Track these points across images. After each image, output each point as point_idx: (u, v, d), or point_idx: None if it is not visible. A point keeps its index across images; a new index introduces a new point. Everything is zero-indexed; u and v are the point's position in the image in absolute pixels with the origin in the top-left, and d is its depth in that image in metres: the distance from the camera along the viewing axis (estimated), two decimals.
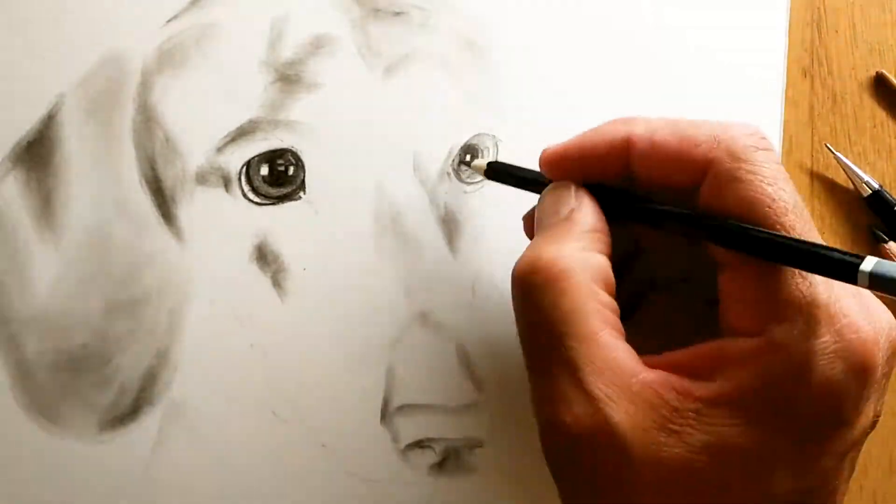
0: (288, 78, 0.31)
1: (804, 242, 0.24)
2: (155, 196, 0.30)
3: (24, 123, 0.29)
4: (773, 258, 0.25)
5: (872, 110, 0.42)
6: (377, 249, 0.32)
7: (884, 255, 0.41)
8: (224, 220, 0.31)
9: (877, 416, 0.26)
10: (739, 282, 0.26)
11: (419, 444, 0.33)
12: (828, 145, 0.42)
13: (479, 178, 0.34)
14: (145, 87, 0.30)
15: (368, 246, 0.32)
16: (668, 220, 0.28)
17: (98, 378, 0.30)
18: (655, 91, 0.36)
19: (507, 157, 0.34)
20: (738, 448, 0.24)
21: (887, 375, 0.26)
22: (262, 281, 0.31)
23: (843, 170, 0.42)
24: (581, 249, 0.27)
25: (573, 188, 0.29)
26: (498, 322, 0.34)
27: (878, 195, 0.41)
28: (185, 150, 0.30)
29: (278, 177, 0.31)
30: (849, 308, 0.25)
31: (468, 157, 0.34)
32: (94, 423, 0.30)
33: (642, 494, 0.24)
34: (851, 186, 0.42)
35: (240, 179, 0.31)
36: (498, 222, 0.34)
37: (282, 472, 0.32)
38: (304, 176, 0.31)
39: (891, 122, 0.43)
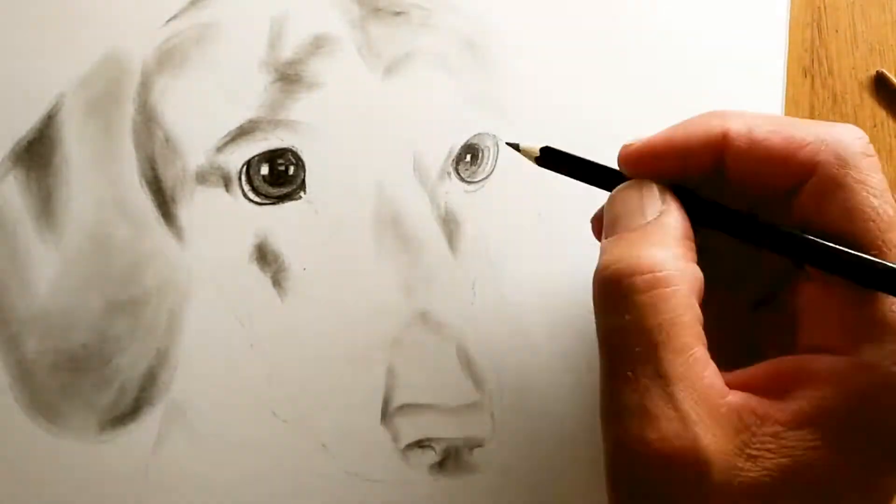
0: (288, 78, 0.31)
1: None
2: (155, 196, 0.30)
3: (24, 123, 0.29)
4: (875, 286, 0.24)
5: (873, 110, 0.42)
6: (377, 249, 0.32)
7: None
8: (224, 219, 0.31)
9: None
10: (828, 298, 0.25)
11: (419, 444, 0.33)
12: None
13: (480, 177, 0.34)
14: (145, 87, 0.30)
15: (368, 246, 0.32)
16: (764, 236, 0.26)
17: (98, 378, 0.30)
18: (655, 91, 0.36)
19: (507, 157, 0.34)
20: (813, 470, 0.23)
21: None
22: (262, 281, 0.31)
23: None
24: (679, 258, 0.25)
25: (657, 188, 0.27)
26: (498, 322, 0.34)
27: None
28: (185, 150, 0.30)
29: (278, 176, 0.31)
30: None
31: (468, 157, 0.34)
32: (94, 423, 0.30)
33: None
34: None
35: (240, 179, 0.31)
36: (498, 222, 0.34)
37: (282, 473, 0.32)
38: (304, 176, 0.31)
39: (891, 122, 0.43)
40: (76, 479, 0.30)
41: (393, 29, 0.32)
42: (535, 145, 0.31)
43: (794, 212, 0.26)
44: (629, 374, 0.24)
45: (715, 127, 0.26)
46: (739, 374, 0.25)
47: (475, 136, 0.34)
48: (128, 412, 0.30)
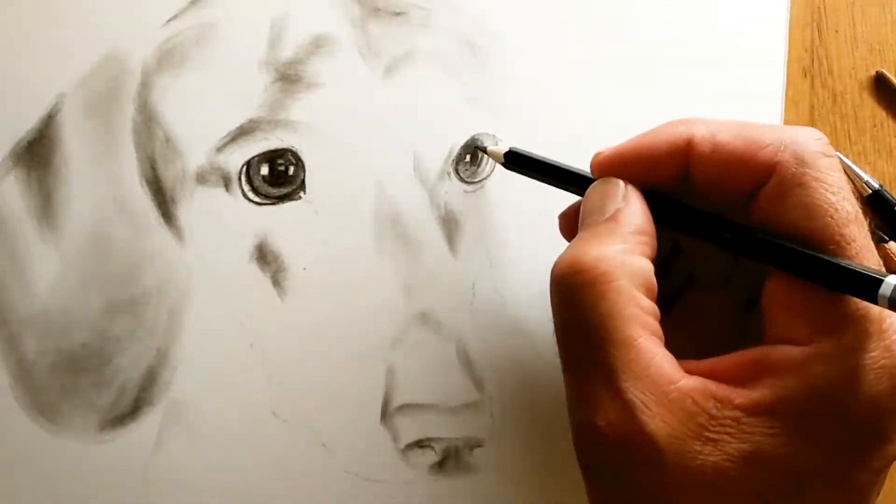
0: (288, 77, 0.31)
1: (863, 273, 0.24)
2: (155, 196, 0.30)
3: (24, 123, 0.29)
4: (833, 286, 0.24)
5: (872, 110, 0.42)
6: (377, 249, 0.32)
7: (884, 255, 0.41)
8: (224, 219, 0.31)
9: None
10: (790, 290, 0.25)
11: (419, 444, 0.33)
12: None
13: (480, 177, 0.34)
14: (145, 87, 0.30)
15: (368, 246, 0.32)
16: (718, 232, 0.27)
17: (98, 378, 0.30)
18: (655, 91, 0.36)
19: None
20: (775, 458, 0.24)
21: None
22: (262, 281, 0.31)
23: (844, 169, 0.41)
24: (625, 252, 0.26)
25: (621, 185, 0.28)
26: (498, 322, 0.34)
27: (878, 195, 0.41)
28: (185, 150, 0.30)
29: (278, 176, 0.31)
30: None
31: (468, 157, 0.34)
32: (94, 423, 0.30)
33: (676, 501, 0.24)
34: (852, 186, 0.42)
35: (240, 179, 0.31)
36: (498, 222, 0.34)
37: (282, 472, 0.32)
38: (304, 176, 0.31)
39: (891, 122, 0.43)
40: (76, 479, 0.30)
41: (393, 29, 0.32)
42: (502, 148, 0.32)
43: (756, 212, 0.26)
44: (578, 366, 0.26)
45: (680, 133, 0.27)
46: (703, 363, 0.26)
47: (475, 136, 0.34)
48: (128, 412, 0.30)
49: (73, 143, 0.29)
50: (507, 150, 0.32)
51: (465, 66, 0.33)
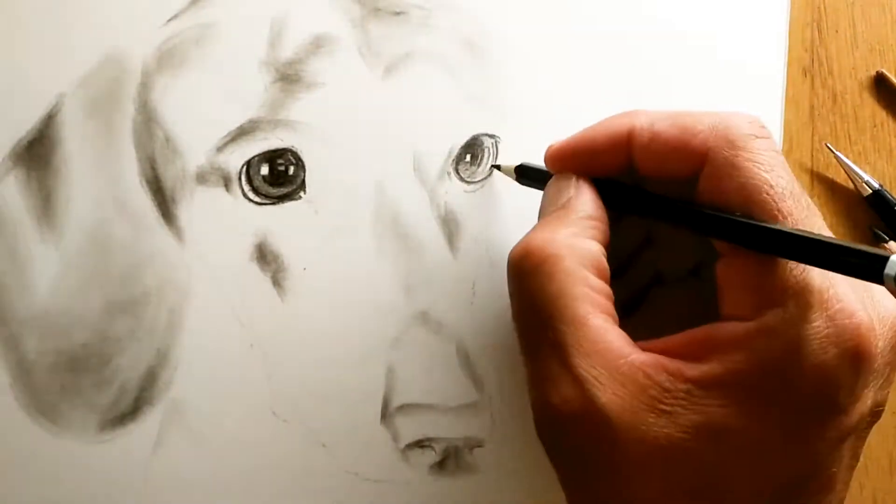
0: (288, 77, 0.31)
1: (803, 236, 0.24)
2: (155, 196, 0.30)
3: (24, 123, 0.29)
4: (767, 250, 0.25)
5: (873, 110, 0.42)
6: (377, 249, 0.32)
7: None
8: (224, 219, 0.31)
9: (878, 405, 0.26)
10: (735, 268, 0.26)
11: (419, 444, 0.33)
12: (828, 145, 0.42)
13: (480, 177, 0.34)
14: (145, 87, 0.30)
15: (368, 246, 0.32)
16: (664, 211, 0.28)
17: (98, 378, 0.30)
18: (655, 91, 0.36)
19: (506, 157, 0.34)
20: (729, 429, 0.24)
21: (892, 364, 0.26)
22: (262, 280, 0.31)
23: (844, 169, 0.42)
24: (573, 235, 0.27)
25: (573, 178, 0.29)
26: (498, 321, 0.34)
27: (878, 195, 0.41)
28: (185, 150, 0.30)
29: (278, 176, 0.31)
30: (844, 294, 0.25)
31: (468, 157, 0.34)
32: (94, 423, 0.30)
33: (630, 473, 0.24)
34: (851, 186, 0.42)
35: (240, 179, 0.31)
36: (498, 222, 0.34)
37: (282, 472, 0.32)
38: (304, 176, 0.31)
39: (891, 122, 0.43)
40: (76, 479, 0.30)
41: (393, 29, 0.32)
42: (512, 165, 0.33)
43: (699, 197, 0.27)
44: (533, 348, 0.27)
45: (622, 124, 0.28)
46: (656, 342, 0.26)
47: (475, 136, 0.34)
48: (128, 412, 0.30)
49: (73, 143, 0.29)
50: (518, 164, 0.33)
51: (465, 66, 0.33)
